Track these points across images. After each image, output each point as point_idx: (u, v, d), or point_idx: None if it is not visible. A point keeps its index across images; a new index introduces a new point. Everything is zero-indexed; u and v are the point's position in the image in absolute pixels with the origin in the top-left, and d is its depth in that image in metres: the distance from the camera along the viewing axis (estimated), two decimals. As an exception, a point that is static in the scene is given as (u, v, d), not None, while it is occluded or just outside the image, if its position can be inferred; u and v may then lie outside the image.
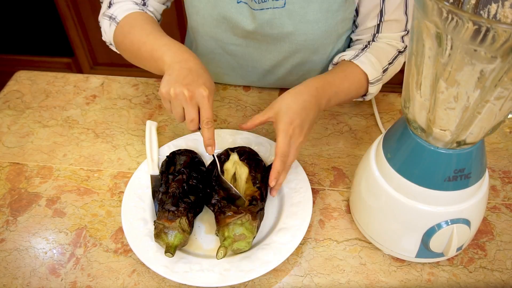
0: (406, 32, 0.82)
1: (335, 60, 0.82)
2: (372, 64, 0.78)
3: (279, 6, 0.78)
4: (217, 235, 0.65)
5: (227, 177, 0.71)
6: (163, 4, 0.87)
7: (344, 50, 0.90)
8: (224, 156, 0.74)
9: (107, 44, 0.84)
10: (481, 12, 0.52)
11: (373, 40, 0.83)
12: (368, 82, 0.78)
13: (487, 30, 0.39)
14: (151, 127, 0.84)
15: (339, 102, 0.77)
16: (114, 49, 0.83)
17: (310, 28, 0.80)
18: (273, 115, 0.69)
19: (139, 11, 0.80)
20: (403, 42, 0.83)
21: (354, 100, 0.84)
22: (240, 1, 0.79)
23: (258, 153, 0.77)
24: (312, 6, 0.78)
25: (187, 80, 0.65)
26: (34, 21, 2.09)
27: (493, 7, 0.51)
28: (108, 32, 0.80)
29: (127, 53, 0.78)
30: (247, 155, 0.74)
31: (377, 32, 0.82)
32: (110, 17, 0.79)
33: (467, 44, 0.42)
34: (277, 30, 0.81)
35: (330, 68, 0.84)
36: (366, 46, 0.81)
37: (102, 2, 0.83)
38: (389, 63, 0.81)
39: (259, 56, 0.88)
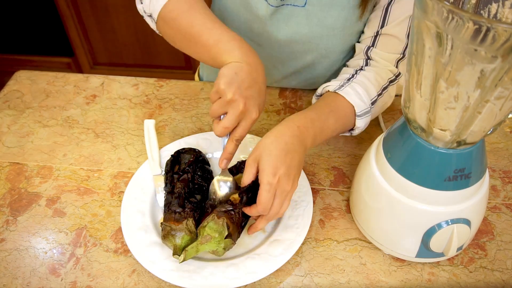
0: (402, 56, 0.76)
1: (319, 91, 0.75)
2: (359, 95, 0.71)
3: (299, 4, 0.78)
4: None
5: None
6: None
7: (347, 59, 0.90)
8: (235, 169, 0.72)
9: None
10: (482, 11, 0.52)
11: (362, 68, 0.77)
12: (355, 115, 0.71)
13: (488, 30, 0.39)
14: (148, 126, 0.84)
15: (326, 138, 0.70)
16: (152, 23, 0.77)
17: (325, 33, 0.80)
18: (256, 166, 0.62)
19: None
20: (397, 67, 0.77)
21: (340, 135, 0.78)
22: None
23: None
24: (332, 11, 0.77)
25: (249, 92, 0.62)
26: (34, 21, 2.09)
27: (494, 6, 0.51)
28: (151, 23, 0.76)
29: (176, 42, 0.73)
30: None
31: (372, 45, 0.77)
32: (149, 15, 0.75)
33: (467, 43, 0.42)
34: (292, 29, 0.81)
35: (313, 100, 0.77)
36: (353, 76, 0.75)
37: None
38: (378, 94, 0.74)
39: (269, 56, 0.88)
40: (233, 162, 0.74)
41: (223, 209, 0.63)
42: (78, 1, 1.98)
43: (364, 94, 0.72)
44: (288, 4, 0.78)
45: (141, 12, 0.77)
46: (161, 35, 0.76)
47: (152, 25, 0.76)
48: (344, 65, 0.89)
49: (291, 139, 0.62)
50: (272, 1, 0.78)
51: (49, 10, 2.02)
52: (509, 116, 0.52)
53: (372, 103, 0.73)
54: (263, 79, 0.65)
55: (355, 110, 0.71)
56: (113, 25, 2.05)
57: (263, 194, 0.59)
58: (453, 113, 0.50)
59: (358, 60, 0.80)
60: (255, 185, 0.64)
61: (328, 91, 0.73)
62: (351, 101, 0.70)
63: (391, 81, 0.76)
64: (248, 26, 0.84)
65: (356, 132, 0.75)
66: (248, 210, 0.63)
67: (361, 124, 0.72)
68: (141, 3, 0.75)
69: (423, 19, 0.45)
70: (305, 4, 0.77)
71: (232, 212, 0.63)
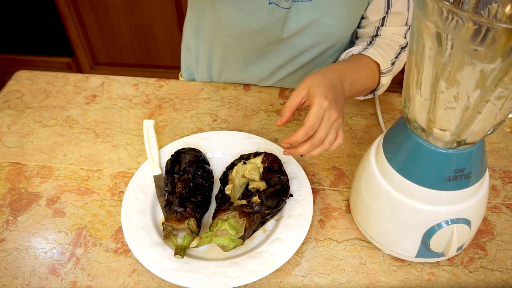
0: (408, 27, 0.82)
1: (343, 56, 0.81)
2: (381, 55, 0.77)
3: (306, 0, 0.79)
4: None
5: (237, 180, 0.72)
6: None
7: (348, 45, 0.91)
8: (245, 158, 0.75)
9: None
10: (482, 11, 0.52)
11: (376, 35, 0.83)
12: (379, 73, 0.78)
13: (488, 30, 0.39)
14: (148, 126, 0.84)
15: (357, 90, 0.75)
16: None
17: (334, 22, 0.81)
18: (305, 93, 0.65)
19: None
20: (405, 38, 0.83)
21: (364, 97, 0.84)
22: (272, 2, 0.78)
23: None
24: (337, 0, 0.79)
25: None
26: (34, 21, 2.09)
27: (494, 7, 0.51)
28: None
29: None
30: (271, 162, 0.73)
31: (381, 25, 0.82)
32: None
33: (467, 43, 0.42)
34: (302, 23, 0.81)
35: None
36: (371, 42, 0.81)
37: None
38: (395, 57, 0.80)
39: (277, 53, 0.89)
40: (227, 162, 0.74)
41: (246, 210, 0.64)
42: (78, 1, 1.98)
43: (385, 54, 0.78)
44: (295, 1, 0.79)
45: None
46: None
47: None
48: (341, 52, 0.90)
49: (334, 77, 0.68)
50: (284, 4, 0.79)
51: (49, 10, 2.02)
52: (509, 116, 0.52)
53: (392, 64, 0.79)
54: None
55: (379, 68, 0.77)
56: (113, 25, 2.05)
57: (313, 112, 0.61)
58: (453, 113, 0.50)
59: (367, 38, 0.84)
60: (276, 189, 0.68)
61: (353, 54, 0.79)
62: (376, 59, 0.76)
63: (402, 48, 0.82)
64: (256, 35, 0.84)
65: (379, 91, 0.81)
66: (292, 136, 0.63)
67: (385, 81, 0.79)
68: None
69: (423, 19, 0.45)
70: None
71: (252, 216, 0.64)
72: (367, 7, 0.82)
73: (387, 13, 0.80)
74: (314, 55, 0.89)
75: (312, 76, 0.67)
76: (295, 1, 0.79)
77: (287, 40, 0.85)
